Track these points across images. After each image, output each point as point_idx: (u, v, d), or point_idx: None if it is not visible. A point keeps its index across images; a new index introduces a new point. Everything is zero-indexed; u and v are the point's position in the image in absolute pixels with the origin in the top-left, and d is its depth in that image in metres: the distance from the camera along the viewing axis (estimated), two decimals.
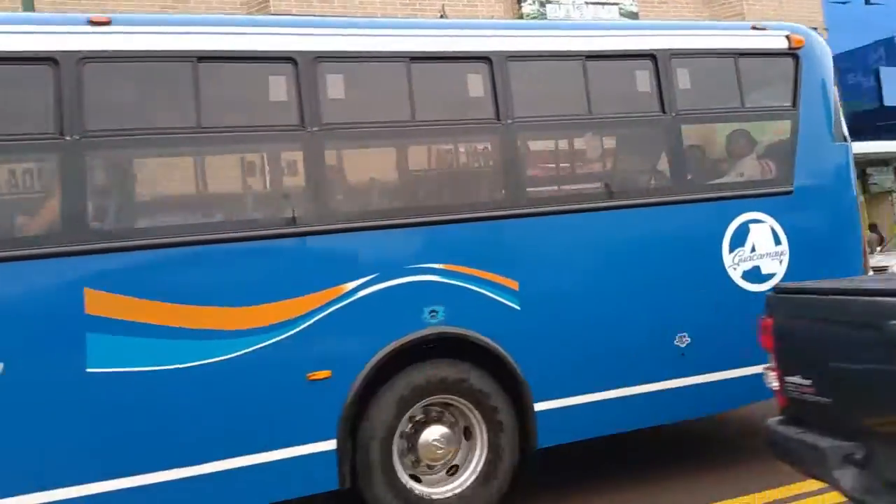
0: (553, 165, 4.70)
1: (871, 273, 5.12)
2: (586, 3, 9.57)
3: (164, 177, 4.10)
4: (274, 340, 3.56)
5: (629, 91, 4.50)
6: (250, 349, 3.51)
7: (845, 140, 4.92)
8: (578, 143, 4.67)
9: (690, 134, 4.75)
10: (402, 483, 3.77)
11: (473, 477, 3.92)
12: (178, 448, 3.39)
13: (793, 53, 4.79)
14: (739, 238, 4.46)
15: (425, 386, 3.84)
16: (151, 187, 4.07)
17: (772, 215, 4.55)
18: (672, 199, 4.37)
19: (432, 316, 3.84)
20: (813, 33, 5.08)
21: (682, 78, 4.57)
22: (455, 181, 4.51)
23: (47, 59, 3.29)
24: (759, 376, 4.34)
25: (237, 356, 3.49)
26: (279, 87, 3.71)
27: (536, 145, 4.54)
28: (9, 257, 3.16)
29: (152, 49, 3.48)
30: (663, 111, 4.42)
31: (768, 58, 4.81)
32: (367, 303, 3.73)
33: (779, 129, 4.87)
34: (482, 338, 3.89)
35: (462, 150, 4.48)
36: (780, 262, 4.55)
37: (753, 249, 4.49)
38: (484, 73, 4.09)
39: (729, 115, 4.80)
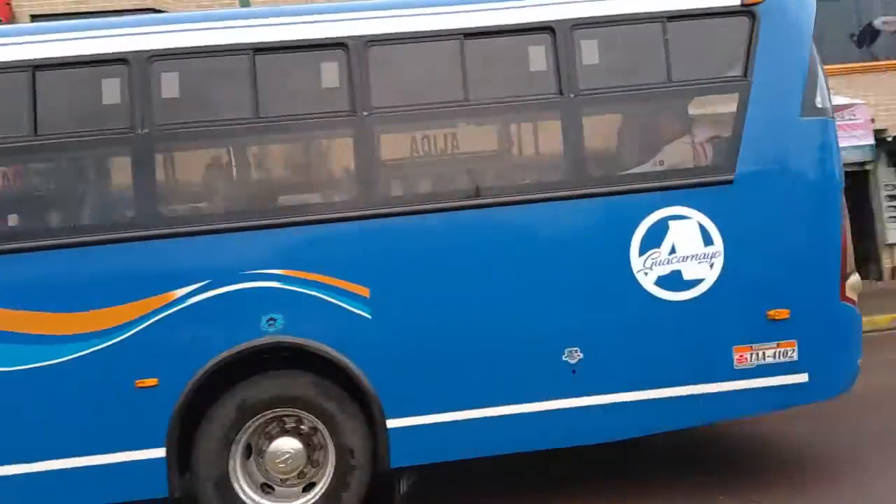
0: (417, 160, 4.23)
1: (851, 281, 4.07)
2: None
3: None
4: (101, 346, 3.56)
5: (519, 71, 3.92)
6: (78, 354, 3.55)
7: (824, 114, 3.97)
8: (448, 134, 4.14)
9: (598, 118, 4.07)
10: (237, 496, 3.65)
11: (319, 496, 3.71)
12: (10, 446, 3.52)
13: (747, 10, 3.91)
14: (654, 238, 3.76)
15: (264, 398, 3.67)
16: None
17: (702, 210, 3.78)
18: (558, 195, 3.76)
19: (270, 324, 3.63)
20: None
21: (589, 52, 3.89)
22: (298, 180, 4.21)
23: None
24: (679, 399, 3.78)
25: (65, 361, 3.54)
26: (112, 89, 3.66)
27: (397, 138, 4.09)
28: None
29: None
30: (560, 92, 3.81)
31: (712, 18, 3.96)
32: (199, 310, 3.61)
33: (722, 106, 4.01)
34: (324, 348, 3.63)
35: (310, 146, 4.16)
36: (711, 265, 3.78)
37: (673, 251, 3.76)
38: (340, 62, 3.76)
39: (649, 93, 4.00)
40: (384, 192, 3.85)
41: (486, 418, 3.73)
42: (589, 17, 3.84)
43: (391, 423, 3.66)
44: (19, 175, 3.92)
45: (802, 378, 3.80)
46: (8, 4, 12.33)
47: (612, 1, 3.89)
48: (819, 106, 3.95)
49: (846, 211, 4.00)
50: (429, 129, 3.99)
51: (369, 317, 3.67)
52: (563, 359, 3.73)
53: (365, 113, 3.71)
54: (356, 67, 3.72)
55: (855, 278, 3.99)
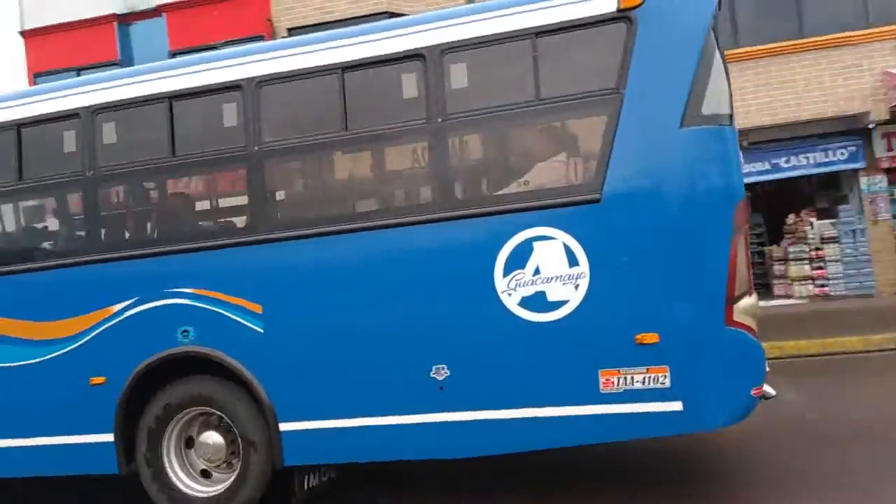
0: (302, 189, 4.47)
1: (743, 304, 3.60)
2: None
3: None
4: (66, 349, 4.43)
5: (394, 98, 4.07)
6: (49, 356, 4.45)
7: (715, 121, 3.65)
8: (331, 164, 4.35)
9: (468, 140, 4.07)
10: (168, 477, 4.35)
11: (230, 482, 4.29)
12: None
13: (624, 16, 3.70)
14: (518, 259, 3.76)
15: (185, 398, 4.32)
16: None
17: (567, 231, 3.71)
18: (426, 218, 3.90)
19: (184, 336, 4.26)
20: None
21: (458, 75, 3.95)
22: (203, 209, 4.69)
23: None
24: (544, 420, 3.82)
25: (40, 361, 4.47)
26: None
27: (285, 170, 4.40)
28: None
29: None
30: (428, 117, 3.92)
31: (585, 28, 3.78)
32: (132, 321, 4.33)
33: (592, 120, 3.83)
34: (225, 358, 4.18)
35: (211, 179, 4.62)
36: (576, 286, 3.70)
37: (537, 272, 3.75)
38: (237, 102, 4.22)
39: (516, 113, 3.91)
40: (273, 220, 4.25)
41: (364, 427, 4.04)
42: (457, 41, 3.89)
43: (283, 426, 4.12)
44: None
45: (676, 406, 3.61)
46: (269, 21, 14.45)
47: (481, 22, 3.90)
48: (707, 113, 3.63)
49: (744, 227, 3.67)
50: (311, 160, 4.32)
51: (262, 331, 4.14)
52: (431, 375, 3.91)
53: (256, 148, 4.15)
54: (249, 107, 4.16)
55: (748, 301, 3.66)
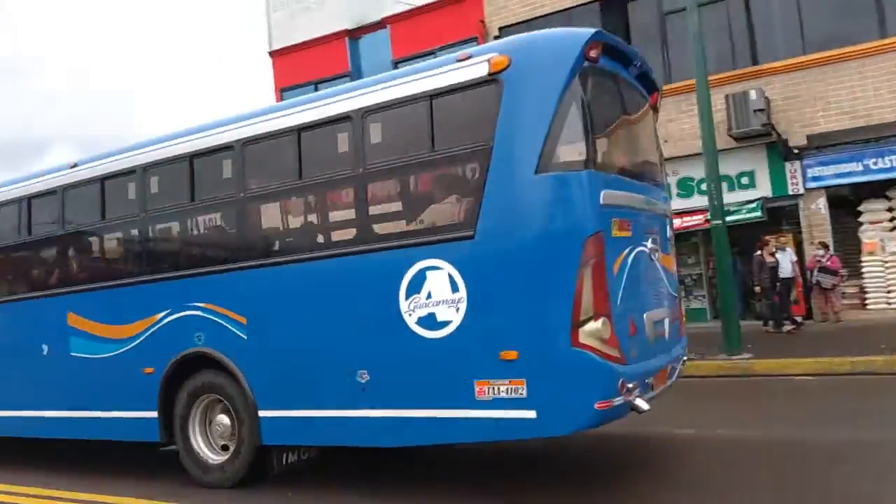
0: (274, 227, 5.50)
1: (588, 328, 3.96)
2: None
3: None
4: (127, 348, 5.97)
5: (333, 153, 5.03)
6: (118, 352, 6.03)
7: (571, 167, 4.17)
8: (291, 207, 5.35)
9: (382, 186, 4.87)
10: (192, 445, 5.68)
11: (229, 454, 5.53)
12: (90, 399, 6.18)
13: (493, 79, 4.34)
14: (416, 285, 4.55)
15: (201, 387, 5.63)
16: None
17: (450, 262, 4.43)
18: (349, 251, 4.83)
19: (198, 339, 5.58)
20: (547, 45, 4.36)
21: (375, 133, 4.83)
22: (204, 245, 5.93)
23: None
24: (435, 419, 4.59)
25: (113, 355, 6.05)
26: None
27: (265, 212, 5.49)
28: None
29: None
30: (354, 168, 4.84)
31: (465, 91, 4.44)
32: (168, 327, 5.75)
33: (470, 169, 4.46)
34: (224, 358, 5.42)
35: (208, 219, 5.84)
36: (457, 309, 4.40)
37: (429, 296, 4.50)
38: (231, 158, 5.45)
39: (414, 164, 4.64)
40: (254, 253, 5.39)
41: (314, 417, 5.07)
42: (377, 104, 4.77)
43: (261, 413, 5.27)
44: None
45: (531, 414, 4.18)
46: (482, 22, 15.81)
47: (397, 87, 4.73)
48: (558, 161, 4.16)
49: (592, 260, 4.12)
50: (271, 205, 5.43)
51: (245, 338, 5.33)
52: (357, 379, 4.82)
53: (242, 194, 5.35)
54: (236, 164, 5.38)
55: (593, 325, 4.08)
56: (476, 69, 4.41)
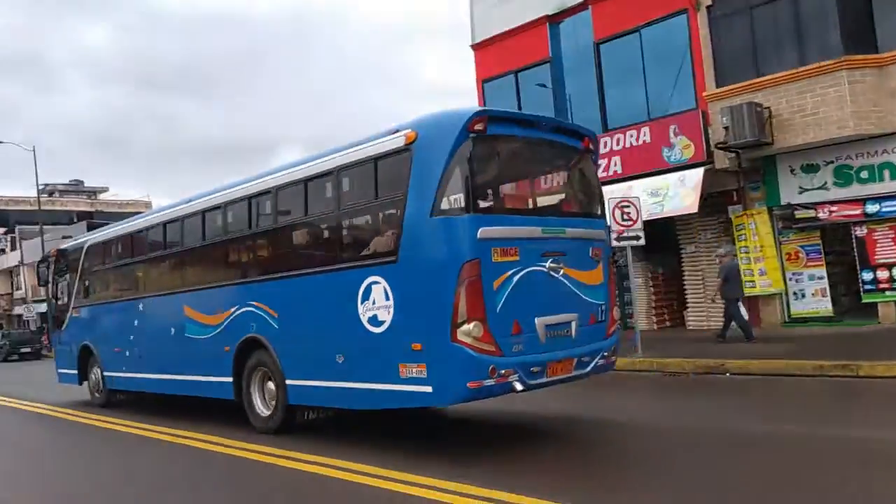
0: (287, 250, 7.57)
1: (463, 329, 5.49)
2: None
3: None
4: (216, 332, 8.47)
5: (322, 198, 7.02)
6: (211, 334, 8.55)
7: (451, 213, 5.80)
8: (296, 237, 7.47)
9: (348, 223, 6.81)
10: (254, 403, 8.03)
11: (273, 409, 7.76)
12: (197, 367, 8.80)
13: (407, 149, 6.06)
14: (367, 294, 6.40)
15: (256, 363, 7.93)
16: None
17: (384, 278, 6.25)
18: (332, 268, 6.81)
19: (253, 328, 7.88)
20: (441, 118, 5.98)
21: (346, 185, 6.74)
22: (253, 261, 8.19)
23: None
24: (377, 390, 6.48)
25: (209, 336, 8.59)
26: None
27: (282, 239, 7.60)
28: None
29: None
30: (333, 210, 6.84)
31: (391, 156, 6.20)
32: (236, 318, 8.14)
33: (396, 212, 6.17)
34: (266, 342, 7.66)
35: (251, 243, 8.08)
36: (389, 312, 6.20)
37: (374, 302, 6.34)
38: (271, 201, 7.67)
39: (362, 209, 6.57)
40: (276, 266, 7.58)
41: (317, 386, 7.10)
42: (346, 164, 6.71)
43: (287, 381, 7.43)
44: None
45: (429, 389, 5.89)
46: None
47: (355, 152, 6.63)
48: (445, 208, 5.79)
49: (467, 280, 5.69)
50: (273, 239, 7.65)
51: (277, 327, 7.53)
52: (337, 360, 6.78)
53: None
54: (272, 205, 7.62)
55: (467, 327, 5.66)
56: (397, 141, 6.17)
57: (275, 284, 7.63)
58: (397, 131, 6.25)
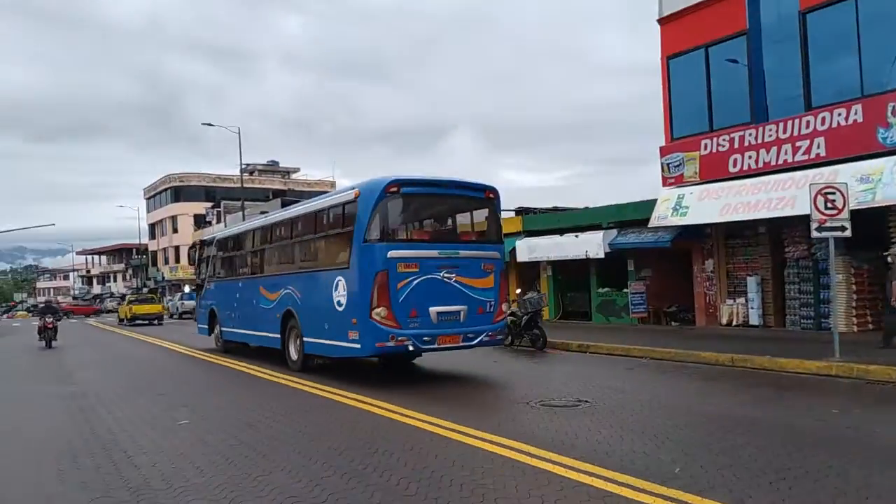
0: (299, 256, 11.55)
1: (376, 311, 9.18)
2: None
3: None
4: (273, 305, 12.92)
5: (318, 225, 11.14)
6: (271, 306, 13.02)
7: (375, 241, 9.63)
8: (305, 248, 11.42)
9: (325, 242, 10.84)
10: (289, 351, 12.38)
11: (298, 356, 12.05)
12: (264, 327, 13.37)
13: (354, 200, 9.97)
14: (336, 286, 10.38)
15: (292, 325, 12.22)
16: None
17: (343, 277, 10.21)
18: (321, 269, 10.87)
19: (289, 303, 12.19)
20: (371, 184, 9.75)
21: (329, 218, 10.88)
22: (288, 260, 12.27)
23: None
24: (342, 346, 10.53)
25: (269, 307, 13.08)
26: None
27: (298, 248, 11.66)
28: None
29: None
30: (317, 232, 10.93)
31: (348, 204, 10.19)
32: (282, 297, 12.51)
33: (349, 239, 10.04)
34: (295, 313, 11.94)
35: (286, 250, 12.20)
36: (344, 298, 10.15)
37: (339, 292, 10.31)
38: (292, 225, 11.91)
39: (336, 234, 10.60)
40: (295, 264, 11.76)
41: (317, 342, 11.24)
42: (323, 207, 10.74)
43: (304, 338, 11.66)
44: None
45: (358, 346, 9.80)
46: None
47: (329, 198, 10.63)
48: (370, 238, 9.66)
49: (379, 282, 9.48)
50: (287, 249, 11.77)
51: (300, 303, 11.76)
52: (324, 326, 10.84)
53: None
54: (293, 228, 11.81)
55: (377, 310, 9.47)
56: (350, 195, 10.17)
57: (297, 276, 11.90)
58: (353, 189, 10.18)
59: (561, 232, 21.66)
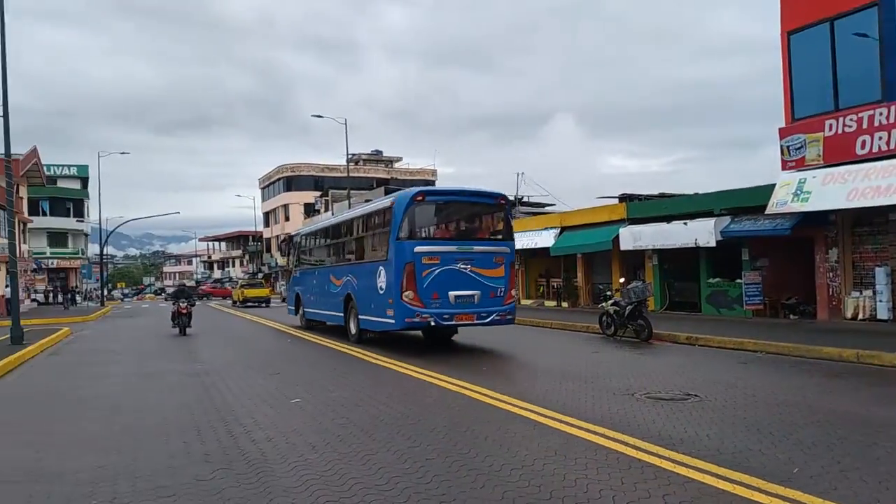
0: (356, 250, 12.79)
1: (406, 295, 9.49)
2: None
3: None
4: (338, 289, 14.76)
5: (367, 226, 13.10)
6: (337, 290, 14.46)
7: (404, 239, 11.59)
8: (358, 244, 12.95)
9: (370, 240, 12.68)
10: (350, 327, 13.95)
11: (355, 330, 13.13)
12: (332, 308, 15.08)
13: (390, 207, 12.23)
14: (379, 274, 12.47)
15: (350, 306, 13.85)
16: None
17: (383, 267, 12.30)
18: (369, 261, 12.28)
19: (349, 288, 14.24)
20: (403, 194, 12.14)
21: (374, 221, 13.28)
22: (348, 253, 13.91)
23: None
24: (383, 322, 11.61)
25: (336, 291, 14.21)
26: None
27: (354, 244, 12.79)
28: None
29: None
30: (369, 232, 12.05)
31: (387, 210, 12.63)
32: (344, 283, 14.54)
33: (387, 236, 11.92)
34: (353, 296, 13.62)
35: (348, 246, 13.51)
36: (384, 284, 11.97)
37: (380, 278, 12.09)
38: (349, 225, 12.84)
39: (379, 233, 12.77)
40: (354, 256, 12.83)
41: (367, 319, 13.10)
42: (370, 212, 13.07)
43: (360, 316, 13.25)
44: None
45: (393, 321, 12.04)
46: None
47: (372, 204, 11.91)
48: (401, 236, 11.90)
49: (408, 271, 11.55)
50: (347, 245, 14.03)
51: (357, 288, 13.40)
52: (372, 306, 12.98)
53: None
54: (349, 227, 13.40)
55: (406, 293, 11.67)
56: (388, 203, 12.71)
57: (353, 266, 14.62)
58: (390, 199, 12.61)
59: (668, 219, 20.94)
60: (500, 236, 13.11)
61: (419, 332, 14.22)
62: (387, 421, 6.87)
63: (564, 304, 26.82)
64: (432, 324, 11.84)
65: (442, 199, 13.07)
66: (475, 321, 12.20)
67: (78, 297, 48.78)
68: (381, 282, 12.08)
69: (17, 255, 16.86)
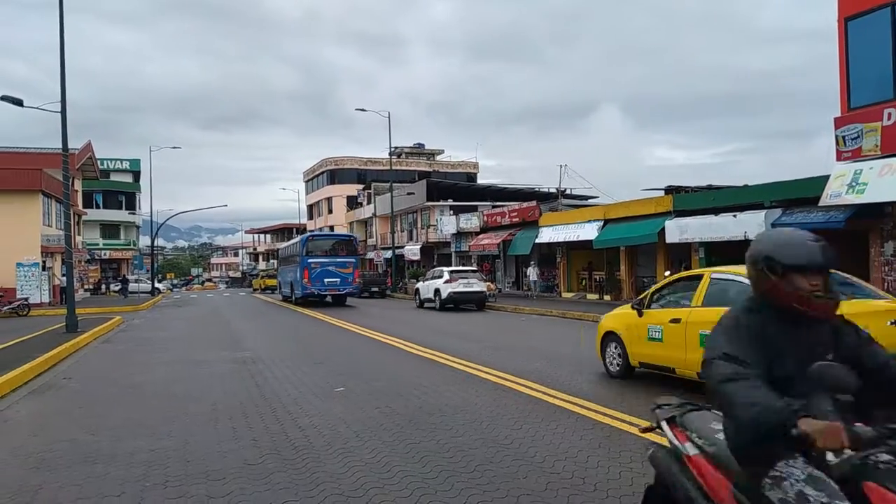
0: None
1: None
2: None
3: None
4: (288, 278, 14.98)
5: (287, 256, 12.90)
6: (288, 279, 14.72)
7: (304, 256, 17.65)
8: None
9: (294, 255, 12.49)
10: (292, 295, 17.38)
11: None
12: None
13: (300, 241, 13.28)
14: (297, 271, 17.08)
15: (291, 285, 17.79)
16: None
17: (299, 268, 16.87)
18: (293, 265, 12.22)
19: (290, 278, 13.54)
20: (304, 236, 19.70)
21: (289, 252, 14.09)
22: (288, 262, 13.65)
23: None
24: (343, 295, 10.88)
25: (287, 280, 15.36)
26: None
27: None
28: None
29: None
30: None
31: (298, 244, 22.81)
32: (288, 275, 14.36)
33: (300, 255, 10.95)
34: (291, 281, 16.93)
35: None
36: (300, 276, 16.38)
37: (297, 273, 14.30)
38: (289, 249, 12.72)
39: (294, 254, 23.23)
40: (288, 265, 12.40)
41: (296, 292, 13.23)
42: (288, 245, 13.24)
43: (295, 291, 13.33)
44: None
45: (300, 293, 21.68)
46: None
47: (290, 244, 11.51)
48: (303, 255, 18.92)
49: (306, 269, 15.38)
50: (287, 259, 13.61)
51: (292, 279, 14.40)
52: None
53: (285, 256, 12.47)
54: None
55: (305, 281, 23.77)
56: (298, 239, 27.33)
57: (287, 269, 18.87)
58: (299, 238, 27.02)
59: (716, 211, 20.46)
60: (350, 253, 27.01)
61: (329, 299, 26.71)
62: (429, 410, 6.88)
63: (607, 297, 26.46)
64: (317, 293, 25.24)
65: (320, 236, 28.64)
66: (338, 292, 25.71)
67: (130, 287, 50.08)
68: (298, 275, 25.28)
69: (73, 246, 17.39)
